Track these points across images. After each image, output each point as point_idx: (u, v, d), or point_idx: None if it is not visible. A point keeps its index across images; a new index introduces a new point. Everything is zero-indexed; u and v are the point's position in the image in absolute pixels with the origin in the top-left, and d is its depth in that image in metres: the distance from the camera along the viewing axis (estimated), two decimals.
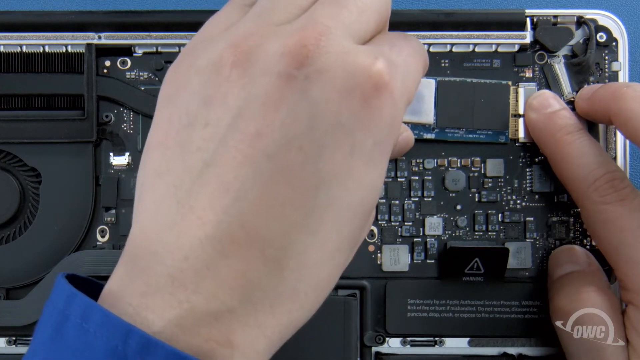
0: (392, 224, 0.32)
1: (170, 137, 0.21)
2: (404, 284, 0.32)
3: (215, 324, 0.20)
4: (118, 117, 0.33)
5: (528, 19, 0.32)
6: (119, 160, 0.33)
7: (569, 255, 0.31)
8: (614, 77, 0.32)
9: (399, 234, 0.32)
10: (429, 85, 0.32)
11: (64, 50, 0.32)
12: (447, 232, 0.32)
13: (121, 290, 0.21)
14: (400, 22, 0.32)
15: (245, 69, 0.21)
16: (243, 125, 0.20)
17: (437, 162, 0.33)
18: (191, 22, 0.32)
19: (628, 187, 0.29)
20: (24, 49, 0.32)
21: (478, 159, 0.33)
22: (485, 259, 0.31)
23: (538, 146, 0.32)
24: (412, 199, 0.33)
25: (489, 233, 0.32)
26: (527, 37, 0.32)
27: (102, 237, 0.32)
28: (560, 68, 0.33)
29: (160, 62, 0.32)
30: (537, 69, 0.33)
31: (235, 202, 0.20)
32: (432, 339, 0.32)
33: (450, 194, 0.33)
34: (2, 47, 0.32)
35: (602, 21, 0.32)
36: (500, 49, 0.33)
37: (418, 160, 0.33)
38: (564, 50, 0.33)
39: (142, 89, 0.33)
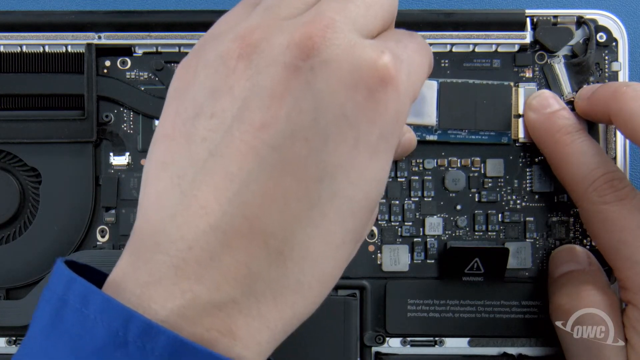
0: (392, 224, 0.32)
1: (177, 128, 0.22)
2: (404, 284, 0.32)
3: (218, 314, 0.20)
4: (118, 117, 0.33)
5: (528, 19, 0.32)
6: (119, 160, 0.33)
7: (569, 254, 0.31)
8: (613, 77, 0.32)
9: (399, 234, 0.32)
10: (431, 87, 0.32)
11: (64, 50, 0.32)
12: (447, 232, 0.32)
13: (124, 280, 0.21)
14: (400, 22, 0.31)
15: (251, 61, 0.21)
16: (248, 116, 0.20)
17: (437, 162, 0.33)
18: (191, 22, 0.32)
19: (627, 187, 0.29)
20: (24, 49, 0.32)
21: (478, 159, 0.33)
22: (485, 259, 0.31)
23: (537, 146, 0.32)
24: (412, 199, 0.33)
25: (489, 233, 0.32)
26: (527, 37, 0.32)
27: (102, 237, 0.32)
28: (560, 68, 0.33)
29: (160, 62, 0.32)
30: (537, 69, 0.33)
31: (240, 193, 0.20)
32: (432, 339, 0.32)
33: (450, 194, 0.33)
34: (2, 47, 0.32)
35: (602, 21, 0.32)
36: (500, 49, 0.33)
37: (418, 161, 0.33)
38: (564, 51, 0.33)
39: (142, 89, 0.33)
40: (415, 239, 0.32)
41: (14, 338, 0.32)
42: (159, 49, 0.33)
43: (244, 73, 0.21)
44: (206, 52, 0.22)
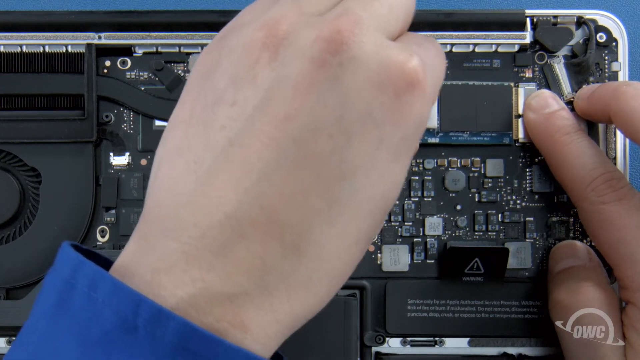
0: (392, 224, 0.32)
1: (195, 115, 0.21)
2: (404, 284, 0.32)
3: (229, 305, 0.20)
4: (118, 117, 0.33)
5: (528, 19, 0.32)
6: (119, 160, 0.33)
7: (569, 249, 0.31)
8: (613, 77, 0.32)
9: (399, 234, 0.32)
10: None
11: (64, 50, 0.32)
12: (447, 232, 0.32)
13: (132, 266, 0.20)
14: None
15: (277, 51, 0.21)
16: (271, 107, 0.20)
17: (437, 162, 0.33)
18: (191, 22, 0.32)
19: (626, 187, 0.29)
20: (24, 49, 0.32)
21: (478, 159, 0.33)
22: (485, 259, 0.31)
23: (536, 146, 0.32)
24: (412, 199, 0.33)
25: (489, 233, 0.32)
26: (527, 37, 0.32)
27: (102, 237, 0.32)
28: (560, 68, 0.33)
29: (160, 62, 0.32)
30: (537, 69, 0.33)
31: (258, 184, 0.20)
32: (432, 339, 0.32)
33: (450, 194, 0.33)
34: (2, 47, 0.32)
35: (602, 21, 0.32)
36: (500, 49, 0.33)
37: (418, 161, 0.33)
38: (564, 51, 0.33)
39: (142, 89, 0.33)
40: (415, 239, 0.32)
41: (14, 338, 0.32)
42: (159, 49, 0.33)
43: (269, 64, 0.20)
44: (230, 39, 0.22)
